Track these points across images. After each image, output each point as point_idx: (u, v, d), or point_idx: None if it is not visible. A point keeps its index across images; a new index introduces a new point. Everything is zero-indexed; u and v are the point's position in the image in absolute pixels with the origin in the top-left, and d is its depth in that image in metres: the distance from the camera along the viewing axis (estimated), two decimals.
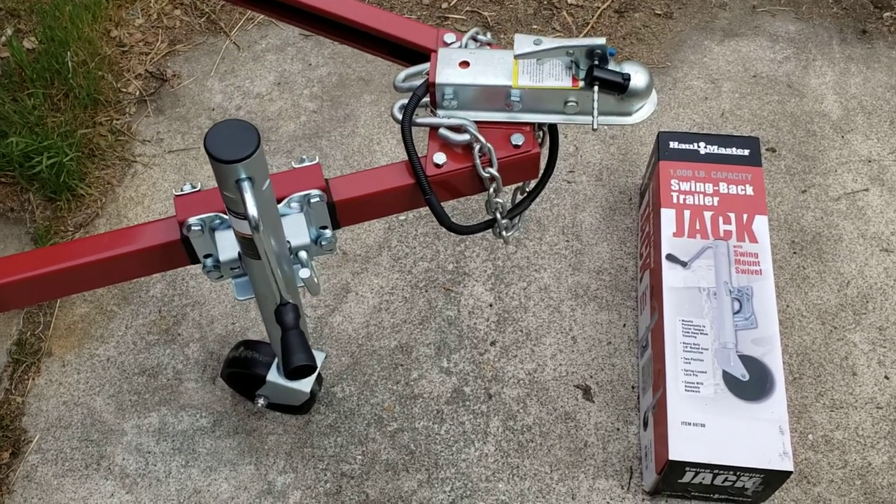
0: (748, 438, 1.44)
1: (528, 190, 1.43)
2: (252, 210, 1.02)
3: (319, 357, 1.57)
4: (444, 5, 2.22)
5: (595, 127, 1.25)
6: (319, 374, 1.60)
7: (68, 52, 2.03)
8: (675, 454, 1.43)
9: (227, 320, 1.77)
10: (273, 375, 1.52)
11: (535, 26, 2.17)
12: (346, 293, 1.80)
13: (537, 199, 1.92)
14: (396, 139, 2.01)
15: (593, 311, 1.79)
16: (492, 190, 1.31)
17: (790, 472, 1.43)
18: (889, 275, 1.81)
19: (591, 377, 1.71)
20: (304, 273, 1.19)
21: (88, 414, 1.69)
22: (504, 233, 1.40)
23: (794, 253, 1.84)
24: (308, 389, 1.53)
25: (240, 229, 1.09)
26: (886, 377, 1.70)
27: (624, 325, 1.76)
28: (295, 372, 1.11)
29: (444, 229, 1.87)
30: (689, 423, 1.46)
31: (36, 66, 2.02)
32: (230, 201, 1.06)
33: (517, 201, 1.42)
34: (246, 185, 1.02)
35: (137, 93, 2.09)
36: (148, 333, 1.77)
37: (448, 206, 1.89)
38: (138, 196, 1.95)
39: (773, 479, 1.46)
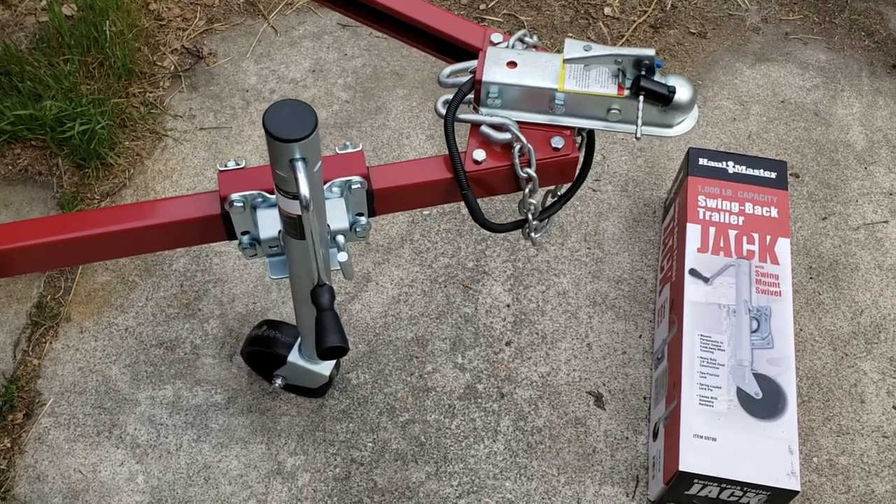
0: (758, 456, 1.46)
1: (559, 194, 1.45)
2: (304, 190, 1.03)
3: None
4: (482, 6, 2.24)
5: (639, 136, 1.27)
6: (337, 359, 1.62)
7: (106, 21, 2.04)
8: (685, 465, 1.45)
9: (249, 299, 1.78)
10: (294, 356, 1.54)
11: (570, 34, 2.18)
12: (366, 282, 1.82)
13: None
14: (426, 134, 2.03)
15: (610, 319, 1.80)
16: (527, 190, 1.32)
17: (797, 492, 1.45)
18: None
19: (604, 385, 1.73)
20: (341, 257, 1.20)
21: (103, 381, 1.70)
22: (533, 234, 1.42)
23: (811, 278, 1.86)
24: (328, 373, 1.55)
25: (287, 209, 1.11)
26: (895, 407, 1.72)
27: (640, 336, 1.78)
28: (328, 352, 1.12)
29: (467, 227, 1.90)
30: (701, 437, 1.48)
31: (74, 32, 2.03)
32: (281, 180, 1.07)
33: (548, 204, 1.44)
34: (300, 166, 1.03)
35: (172, 67, 2.11)
36: (168, 306, 1.78)
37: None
38: (167, 170, 1.96)
39: (779, 498, 1.48)
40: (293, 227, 1.14)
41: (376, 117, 2.04)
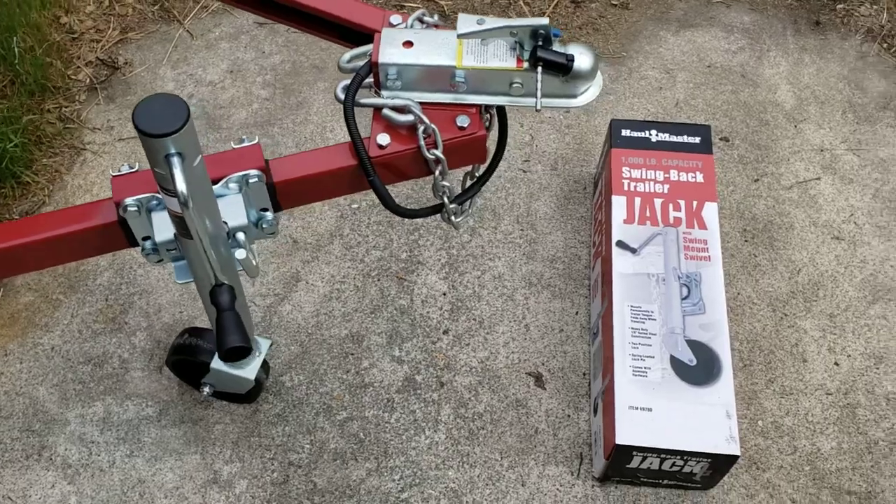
0: (695, 423, 1.44)
1: (477, 175, 1.42)
2: (181, 186, 0.99)
3: (265, 344, 1.55)
4: None
5: (538, 108, 1.25)
6: (266, 361, 1.58)
7: (14, 38, 1.98)
8: (621, 439, 1.43)
9: (175, 309, 1.74)
10: (217, 363, 1.50)
11: (491, 16, 2.16)
12: (296, 282, 1.78)
13: (493, 188, 1.93)
14: None
15: (546, 299, 1.78)
16: (437, 173, 1.29)
17: (737, 457, 1.43)
18: (840, 262, 1.83)
19: (543, 364, 1.70)
20: (240, 254, 1.17)
21: (31, 404, 1.65)
22: (453, 218, 1.39)
23: (746, 241, 1.85)
24: (252, 377, 1.51)
25: (172, 207, 1.07)
26: (836, 364, 1.71)
27: (576, 313, 1.76)
28: (229, 353, 1.09)
29: (398, 218, 1.87)
30: (637, 408, 1.46)
31: None
32: (161, 178, 1.03)
33: (467, 186, 1.41)
34: (175, 161, 1.00)
35: (88, 80, 2.06)
36: (94, 322, 1.73)
37: (402, 194, 1.89)
38: (87, 184, 1.91)
39: (721, 464, 1.46)
40: (181, 226, 1.10)
41: (298, 112, 2.01)
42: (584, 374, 1.69)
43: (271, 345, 1.58)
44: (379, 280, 1.79)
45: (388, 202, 1.29)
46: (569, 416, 1.64)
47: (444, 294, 1.78)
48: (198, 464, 1.58)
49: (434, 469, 1.59)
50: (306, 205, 1.37)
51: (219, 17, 2.17)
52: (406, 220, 1.86)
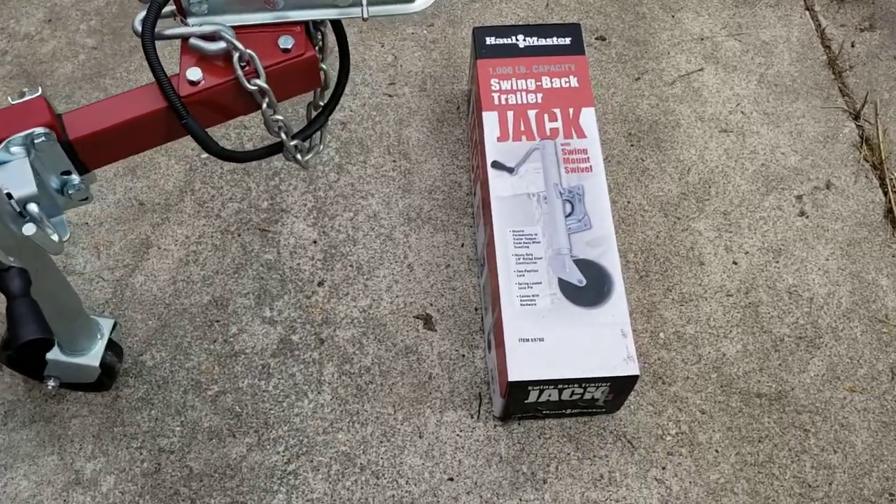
0: (590, 346, 1.34)
1: (321, 104, 1.25)
2: None
3: (106, 324, 1.37)
4: None
5: (365, 16, 1.08)
6: (115, 343, 1.40)
7: None
8: (514, 375, 1.32)
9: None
10: (54, 353, 1.31)
11: None
12: (146, 248, 1.59)
13: (357, 118, 1.76)
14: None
15: (428, 233, 1.64)
16: (265, 106, 1.12)
17: (637, 377, 1.34)
18: (729, 156, 1.73)
19: (431, 305, 1.57)
20: (28, 229, 0.98)
21: None
22: (299, 156, 1.22)
23: (632, 145, 1.73)
24: (97, 363, 1.33)
25: None
26: (734, 262, 1.62)
27: (462, 245, 1.63)
28: (25, 349, 0.91)
29: (254, 164, 1.69)
30: (528, 339, 1.34)
31: None
32: None
33: (312, 118, 1.24)
34: None
35: None
36: None
37: (256, 136, 1.70)
38: None
39: (621, 386, 1.37)
40: None
41: (132, 59, 1.78)
42: (476, 310, 1.56)
43: (115, 325, 1.40)
44: (240, 235, 1.62)
45: (209, 146, 1.11)
46: (463, 355, 1.52)
47: (315, 242, 1.62)
48: (55, 465, 1.41)
49: (322, 434, 1.45)
50: (124, 159, 1.17)
51: None
52: (263, 163, 1.69)
